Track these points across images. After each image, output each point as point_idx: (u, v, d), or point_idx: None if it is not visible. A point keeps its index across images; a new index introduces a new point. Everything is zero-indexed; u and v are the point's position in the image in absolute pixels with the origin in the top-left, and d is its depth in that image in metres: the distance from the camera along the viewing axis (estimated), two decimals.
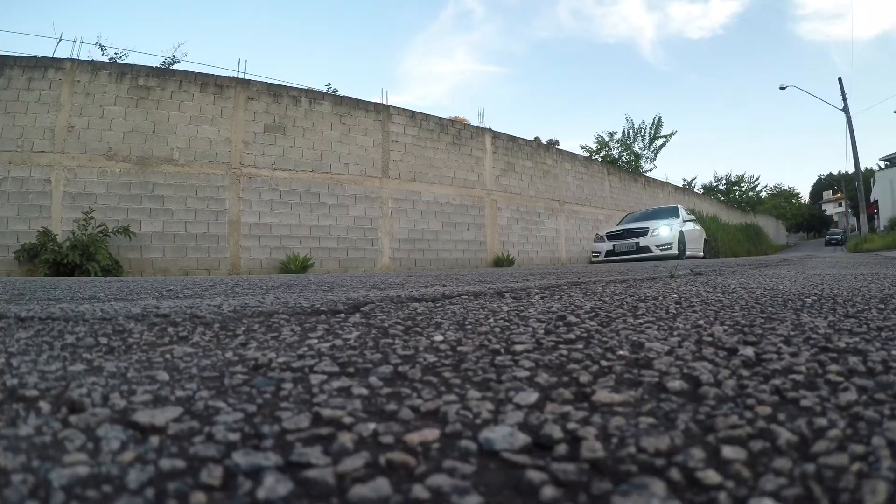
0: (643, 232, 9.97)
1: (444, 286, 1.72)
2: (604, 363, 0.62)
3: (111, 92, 7.40)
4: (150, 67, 7.86)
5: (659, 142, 21.10)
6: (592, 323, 0.92)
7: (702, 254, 11.38)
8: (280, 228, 8.25)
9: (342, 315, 1.00)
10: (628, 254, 9.80)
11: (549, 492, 0.32)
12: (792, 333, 0.80)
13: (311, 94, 9.07)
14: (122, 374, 0.57)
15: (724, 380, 0.55)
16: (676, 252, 9.45)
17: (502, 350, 0.70)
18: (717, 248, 19.25)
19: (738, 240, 22.71)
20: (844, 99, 21.62)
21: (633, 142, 20.94)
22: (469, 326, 0.89)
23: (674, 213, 11.16)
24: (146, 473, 0.33)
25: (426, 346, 0.72)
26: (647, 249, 9.57)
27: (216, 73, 8.22)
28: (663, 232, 9.81)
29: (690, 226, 11.10)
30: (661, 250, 9.46)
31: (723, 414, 0.45)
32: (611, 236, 10.52)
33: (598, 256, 10.30)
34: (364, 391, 0.52)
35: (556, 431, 0.41)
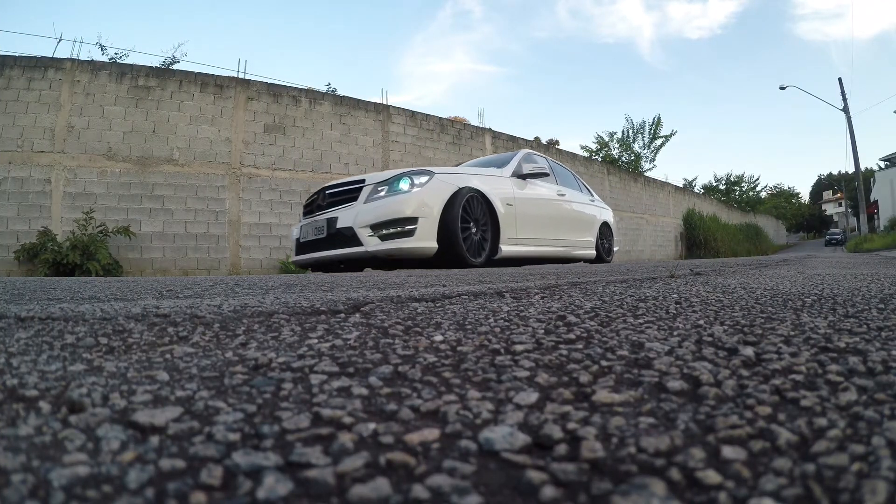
0: (352, 195, 4.37)
1: (443, 286, 1.72)
2: (604, 363, 0.62)
3: (111, 92, 7.40)
4: (150, 67, 7.86)
5: (658, 142, 21.11)
6: (592, 323, 0.92)
7: (590, 251, 6.21)
8: (280, 228, 8.25)
9: (342, 315, 1.00)
10: (318, 247, 4.40)
11: (548, 492, 0.32)
12: (792, 333, 0.80)
13: (311, 94, 9.07)
14: (122, 374, 0.57)
15: (724, 380, 0.55)
16: (434, 245, 4.10)
17: (502, 350, 0.70)
18: (717, 248, 19.25)
19: (738, 240, 22.76)
20: (844, 99, 21.65)
21: (633, 141, 20.93)
22: (469, 326, 0.89)
23: (499, 162, 5.46)
24: (146, 473, 0.33)
25: (426, 346, 0.72)
26: (346, 237, 4.15)
27: (216, 73, 8.23)
28: (402, 190, 4.16)
29: (539, 190, 5.38)
30: (383, 238, 4.05)
31: (723, 414, 0.45)
32: (308, 209, 4.95)
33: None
34: (364, 391, 0.52)
35: (556, 431, 0.41)
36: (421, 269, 4.06)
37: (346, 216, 4.25)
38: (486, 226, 4.64)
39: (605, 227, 6.77)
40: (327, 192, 4.65)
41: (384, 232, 4.08)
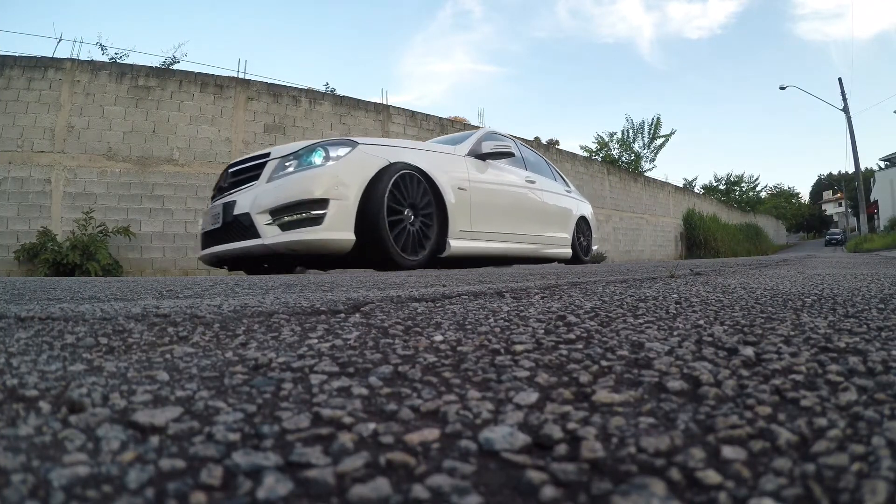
0: (255, 173, 3.48)
1: (443, 286, 1.72)
2: (604, 363, 0.62)
3: (111, 92, 7.41)
4: (150, 67, 7.87)
5: (658, 141, 21.11)
6: (592, 323, 0.92)
7: (565, 250, 5.37)
8: None
9: (342, 315, 1.00)
10: (217, 239, 3.57)
11: (548, 492, 0.32)
12: (792, 333, 0.80)
13: (311, 94, 9.07)
14: (122, 374, 0.57)
15: (724, 380, 0.55)
16: (350, 237, 3.20)
17: (502, 350, 0.70)
18: (717, 248, 19.26)
19: (738, 240, 22.77)
20: (844, 99, 21.67)
21: (633, 142, 20.95)
22: (469, 326, 0.89)
23: (456, 141, 4.53)
24: (146, 473, 0.33)
25: (426, 346, 0.72)
26: (243, 227, 3.29)
27: (216, 73, 8.23)
28: (314, 164, 3.25)
29: (503, 175, 4.55)
30: (284, 227, 3.16)
31: (723, 414, 0.45)
32: (213, 192, 4.07)
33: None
34: (364, 391, 0.52)
35: (556, 431, 0.41)
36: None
37: (244, 200, 3.34)
38: (431, 215, 3.65)
39: (582, 221, 5.88)
40: (230, 170, 3.72)
41: (286, 219, 3.15)
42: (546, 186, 5.32)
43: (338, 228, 3.18)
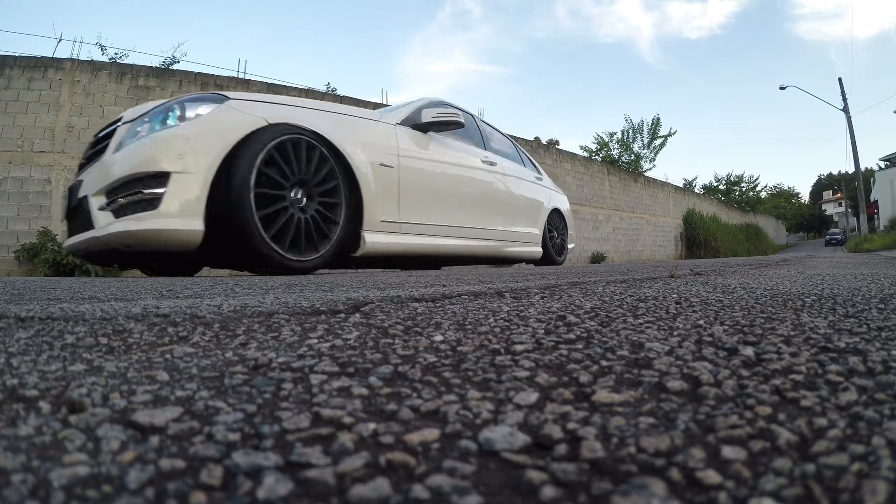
0: (105, 143, 2.65)
1: (444, 286, 1.72)
2: (604, 363, 0.62)
3: (111, 92, 7.41)
4: (150, 67, 7.87)
5: (658, 141, 21.10)
6: (592, 323, 0.92)
7: (533, 248, 4.55)
8: None
9: (342, 315, 1.00)
10: (70, 228, 2.94)
11: (548, 492, 0.32)
12: (792, 333, 0.80)
13: (312, 94, 9.08)
14: (122, 374, 0.57)
15: (724, 380, 0.55)
16: (198, 228, 2.29)
17: (502, 350, 0.70)
18: (717, 248, 19.27)
19: (738, 240, 22.78)
20: (844, 99, 21.69)
21: (633, 142, 20.94)
22: (469, 326, 0.89)
23: (390, 110, 3.55)
24: (146, 473, 0.33)
25: (426, 346, 0.72)
26: (85, 215, 2.55)
27: (216, 73, 8.24)
28: (168, 126, 2.39)
29: (451, 152, 3.57)
30: (118, 213, 2.37)
31: (723, 414, 0.45)
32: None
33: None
34: (364, 391, 0.52)
35: (556, 431, 0.41)
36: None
37: (88, 179, 2.64)
38: (337, 198, 2.73)
39: (556, 215, 4.94)
40: (91, 141, 3.04)
41: (120, 202, 2.38)
42: (511, 171, 4.32)
43: (180, 214, 2.30)
